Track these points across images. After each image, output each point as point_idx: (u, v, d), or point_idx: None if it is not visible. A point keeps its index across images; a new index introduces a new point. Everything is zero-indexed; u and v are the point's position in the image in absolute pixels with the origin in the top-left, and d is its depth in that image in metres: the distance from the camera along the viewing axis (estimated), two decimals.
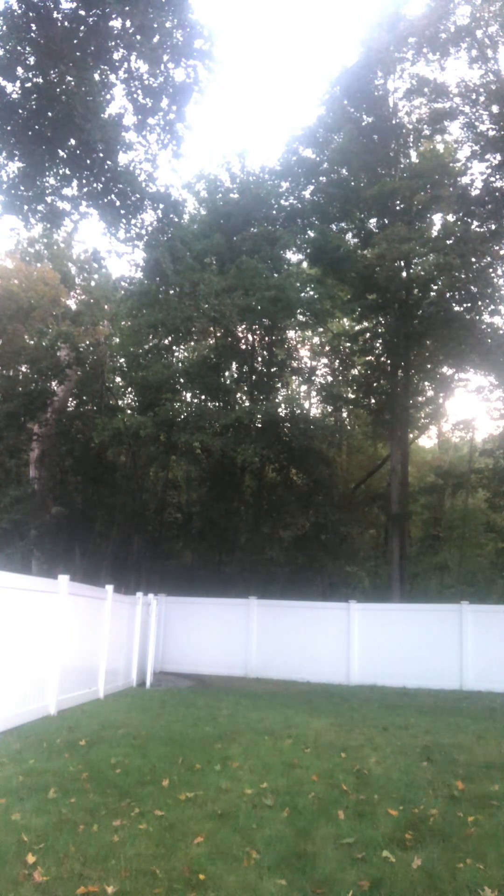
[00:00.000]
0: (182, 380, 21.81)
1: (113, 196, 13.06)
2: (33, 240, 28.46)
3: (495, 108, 20.33)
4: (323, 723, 8.90)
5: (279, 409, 24.07)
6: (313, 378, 27.89)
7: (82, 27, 11.49)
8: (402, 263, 21.97)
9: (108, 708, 9.84)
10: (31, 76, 11.79)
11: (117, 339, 25.18)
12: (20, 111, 11.73)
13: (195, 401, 23.97)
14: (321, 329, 25.89)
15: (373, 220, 23.89)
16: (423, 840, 4.37)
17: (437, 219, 23.69)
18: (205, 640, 16.15)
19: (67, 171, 12.78)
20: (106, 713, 9.23)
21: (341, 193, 22.66)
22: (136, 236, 13.99)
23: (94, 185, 12.93)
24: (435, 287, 23.03)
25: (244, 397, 23.84)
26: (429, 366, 25.08)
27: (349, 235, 24.30)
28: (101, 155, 12.32)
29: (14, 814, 4.61)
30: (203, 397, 23.49)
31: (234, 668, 15.73)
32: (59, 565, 19.75)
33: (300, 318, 22.75)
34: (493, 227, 20.46)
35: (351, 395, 27.59)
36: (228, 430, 20.03)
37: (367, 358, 25.79)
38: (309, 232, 23.16)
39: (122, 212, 13.31)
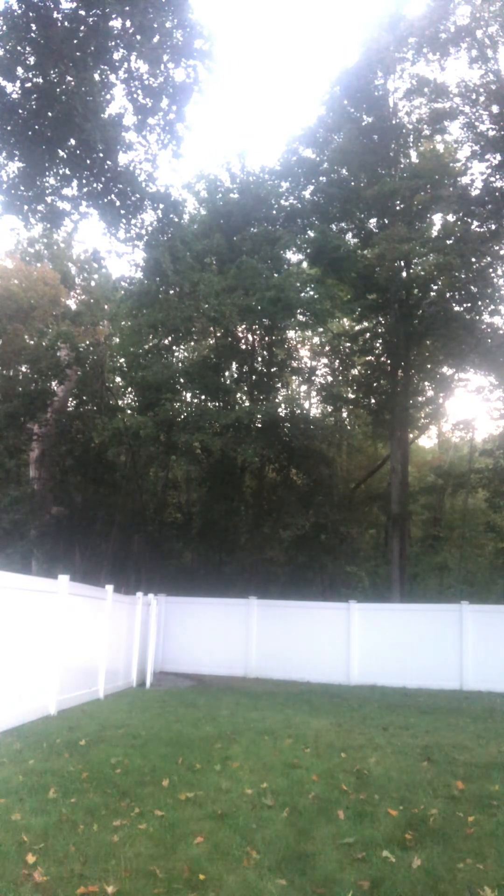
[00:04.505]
0: (182, 380, 21.81)
1: (113, 196, 13.06)
2: (33, 240, 28.49)
3: (495, 108, 20.33)
4: (323, 723, 8.90)
5: (279, 409, 24.07)
6: (313, 378, 27.89)
7: (82, 27, 11.49)
8: (402, 263, 21.96)
9: (108, 708, 9.84)
10: (31, 76, 11.79)
11: (117, 339, 25.19)
12: (20, 111, 11.72)
13: (195, 401, 23.96)
14: (321, 329, 25.89)
15: (373, 220, 23.88)
16: (423, 840, 4.37)
17: (437, 219, 23.70)
18: (205, 640, 16.14)
19: (67, 171, 12.77)
20: (106, 713, 9.22)
21: (341, 193, 22.64)
22: (136, 236, 13.99)
23: (94, 185, 12.93)
24: (435, 287, 23.03)
25: (244, 397, 23.83)
26: (429, 366, 25.08)
27: (349, 235, 24.28)
28: (101, 155, 12.32)
29: (14, 814, 4.61)
30: (203, 397, 23.49)
31: (234, 668, 15.72)
32: (59, 565, 19.74)
33: (300, 318, 22.74)
34: (493, 227, 20.46)
35: (351, 395, 27.59)
36: (228, 430, 20.02)
37: (367, 358, 25.79)
38: (309, 232, 23.15)
39: (122, 212, 13.30)
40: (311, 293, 21.60)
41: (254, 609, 16.06)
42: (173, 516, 27.26)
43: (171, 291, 20.03)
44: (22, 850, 3.98)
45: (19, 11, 11.20)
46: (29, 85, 11.77)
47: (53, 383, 23.45)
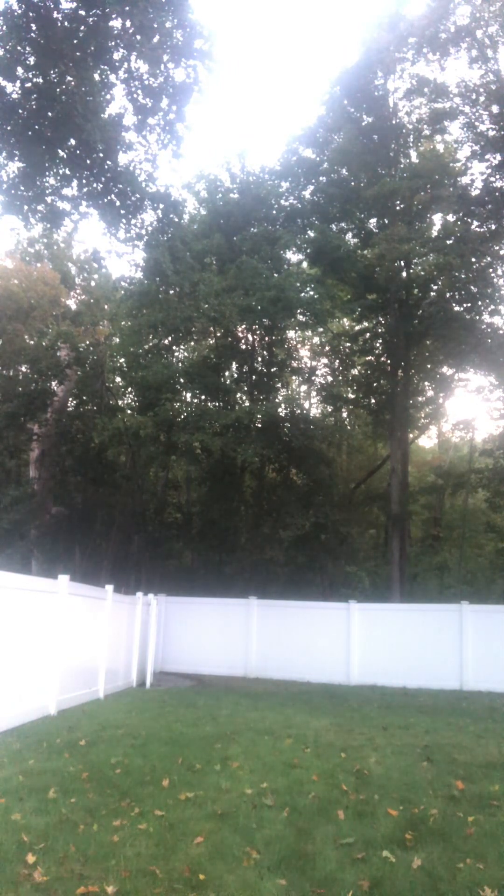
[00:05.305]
0: (182, 380, 21.81)
1: (113, 196, 13.05)
2: (33, 240, 28.48)
3: (495, 108, 20.33)
4: (323, 723, 8.90)
5: (279, 409, 24.06)
6: (313, 378, 27.89)
7: (82, 27, 11.48)
8: (402, 263, 21.97)
9: (108, 708, 9.84)
10: (31, 76, 11.78)
11: (117, 339, 25.18)
12: (20, 111, 11.71)
13: (195, 401, 23.96)
14: (321, 329, 25.90)
15: (373, 220, 23.89)
16: (423, 840, 4.37)
17: (437, 219, 23.71)
18: (205, 640, 16.14)
19: (67, 171, 12.77)
20: (106, 713, 9.22)
21: (341, 193, 22.65)
22: (136, 236, 13.98)
23: (94, 185, 12.92)
24: (435, 287, 23.03)
25: (244, 397, 23.82)
26: (429, 366, 25.09)
27: (349, 235, 24.30)
28: (101, 155, 12.31)
29: (14, 814, 4.61)
30: (203, 397, 23.48)
31: (234, 668, 15.72)
32: (59, 565, 19.74)
33: (300, 318, 22.75)
34: (493, 227, 20.46)
35: (351, 395, 27.60)
36: (228, 430, 20.01)
37: (367, 358, 25.79)
38: (309, 232, 23.15)
39: (122, 212, 13.29)
40: (311, 293, 21.60)
41: (254, 609, 16.06)
42: (173, 516, 27.26)
43: (171, 291, 20.03)
44: (22, 850, 3.98)
45: (19, 11, 11.19)
46: (29, 85, 11.77)
47: (53, 383, 23.45)
